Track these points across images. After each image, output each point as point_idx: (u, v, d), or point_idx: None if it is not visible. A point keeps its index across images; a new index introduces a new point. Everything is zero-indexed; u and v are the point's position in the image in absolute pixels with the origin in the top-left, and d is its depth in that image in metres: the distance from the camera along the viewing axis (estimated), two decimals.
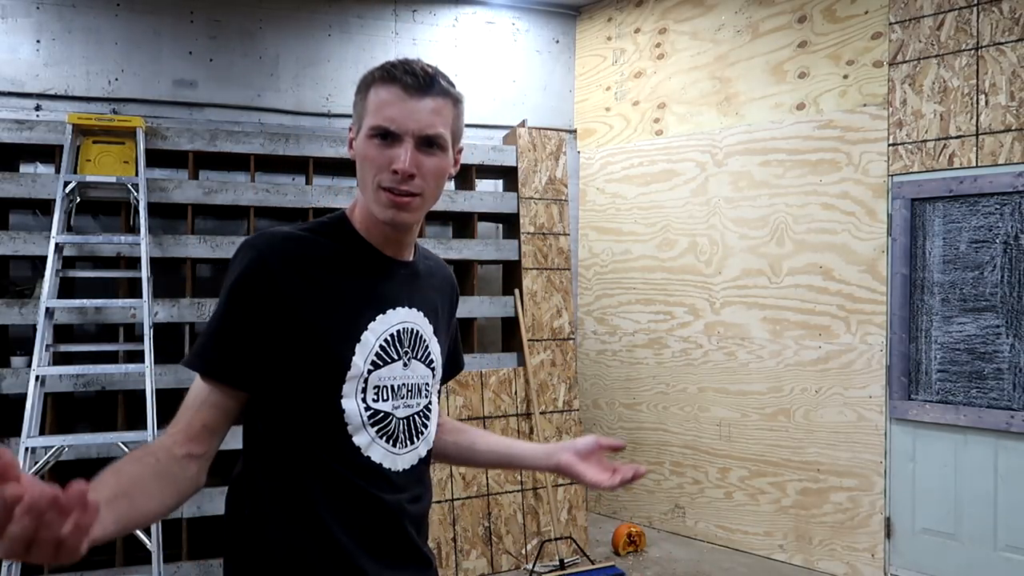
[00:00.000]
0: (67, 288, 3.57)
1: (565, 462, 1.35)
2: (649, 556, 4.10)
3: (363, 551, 1.10)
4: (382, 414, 1.12)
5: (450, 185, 4.43)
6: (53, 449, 3.05)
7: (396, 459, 1.14)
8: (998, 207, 3.40)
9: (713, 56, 4.40)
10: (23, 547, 0.66)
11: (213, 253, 3.60)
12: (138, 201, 3.36)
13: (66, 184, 3.23)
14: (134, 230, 3.47)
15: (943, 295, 3.55)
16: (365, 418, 1.10)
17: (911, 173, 3.63)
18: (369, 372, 1.10)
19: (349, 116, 1.15)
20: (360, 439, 1.10)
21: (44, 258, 3.19)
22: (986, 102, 3.42)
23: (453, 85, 1.12)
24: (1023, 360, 3.33)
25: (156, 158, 3.65)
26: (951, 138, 3.51)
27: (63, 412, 3.56)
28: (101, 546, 3.40)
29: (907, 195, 3.64)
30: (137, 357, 3.33)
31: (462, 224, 4.44)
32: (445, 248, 3.99)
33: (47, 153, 3.61)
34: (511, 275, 4.27)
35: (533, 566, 3.82)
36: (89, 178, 3.31)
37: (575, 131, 5.10)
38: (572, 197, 4.89)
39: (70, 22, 3.95)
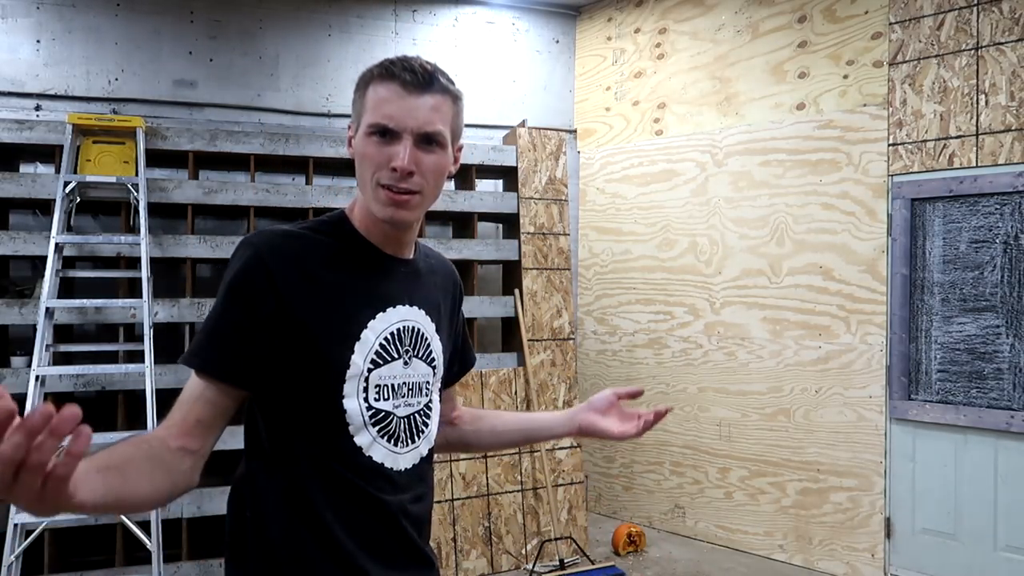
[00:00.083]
0: (67, 288, 3.57)
1: (586, 422, 1.36)
2: (649, 556, 4.10)
3: (365, 552, 1.10)
4: (383, 413, 1.12)
5: (450, 185, 4.44)
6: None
7: (398, 458, 1.14)
8: (998, 207, 3.40)
9: (713, 56, 4.40)
10: (11, 472, 0.64)
11: (213, 253, 3.60)
12: (138, 201, 3.36)
13: (66, 184, 3.23)
14: (134, 230, 3.47)
15: (943, 295, 3.55)
16: (367, 417, 1.10)
17: (911, 173, 3.63)
18: (369, 371, 1.10)
19: (349, 116, 1.15)
20: (362, 439, 1.09)
21: (44, 258, 3.19)
22: (986, 102, 3.42)
23: (452, 82, 1.11)
24: (1023, 360, 3.33)
25: (156, 158, 3.65)
26: (951, 138, 3.51)
27: None
28: (101, 546, 3.38)
29: (907, 195, 3.64)
30: (137, 357, 3.33)
31: (462, 224, 4.44)
32: (445, 248, 3.99)
33: (47, 153, 3.61)
34: (511, 275, 4.27)
35: (533, 566, 3.82)
36: (89, 178, 3.31)
37: (575, 131, 5.10)
38: (572, 197, 4.89)
39: (70, 22, 3.95)
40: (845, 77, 3.85)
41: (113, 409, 3.50)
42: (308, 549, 1.08)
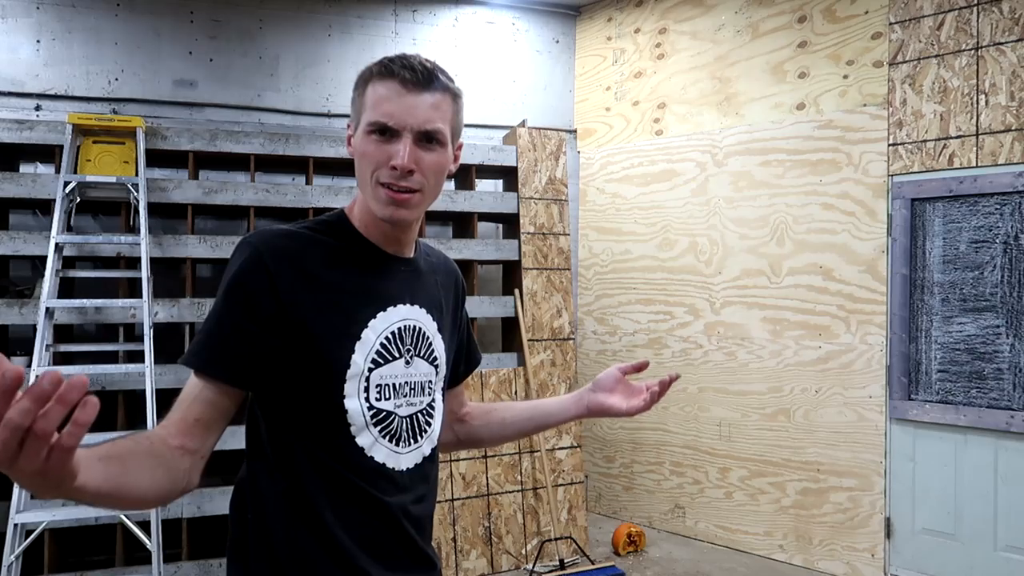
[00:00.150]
0: (67, 288, 3.57)
1: (594, 402, 1.35)
2: (649, 556, 4.10)
3: (366, 554, 1.09)
4: (384, 413, 1.11)
5: (450, 185, 4.44)
6: None
7: (399, 458, 1.13)
8: (998, 207, 3.40)
9: (713, 56, 4.40)
10: (16, 440, 0.63)
11: (213, 253, 3.60)
12: (138, 201, 3.36)
13: (66, 184, 3.23)
14: (134, 230, 3.47)
15: (943, 295, 3.55)
16: (368, 417, 1.09)
17: (911, 173, 3.63)
18: (370, 371, 1.09)
19: (349, 116, 1.15)
20: (363, 439, 1.09)
21: (44, 258, 3.19)
22: (986, 102, 3.42)
23: (452, 80, 1.11)
24: (1023, 360, 3.33)
25: (156, 158, 3.65)
26: (951, 138, 3.51)
27: None
28: (101, 546, 3.37)
29: (907, 195, 3.64)
30: (137, 357, 3.33)
31: (462, 224, 4.44)
32: (445, 248, 3.99)
33: (47, 153, 3.61)
34: (511, 275, 4.27)
35: (533, 566, 3.82)
36: (89, 178, 3.31)
37: (575, 131, 5.10)
38: (572, 197, 4.89)
39: (70, 22, 3.95)
40: (845, 77, 3.85)
41: (113, 409, 3.50)
42: (309, 550, 1.07)
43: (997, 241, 3.41)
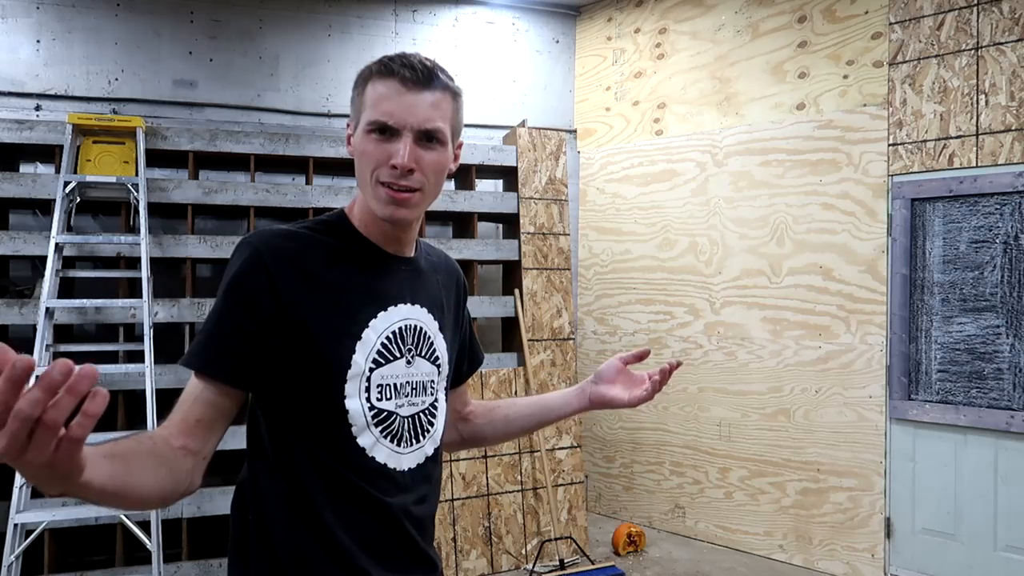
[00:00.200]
0: (67, 288, 3.57)
1: (596, 395, 1.34)
2: (649, 556, 4.10)
3: (366, 554, 1.09)
4: (386, 413, 1.11)
5: (450, 185, 4.44)
6: None
7: (401, 459, 1.13)
8: (998, 207, 3.40)
9: (713, 56, 4.40)
10: (26, 431, 0.63)
11: (213, 253, 3.60)
12: (138, 201, 3.36)
13: (66, 184, 3.23)
14: (134, 230, 3.47)
15: (943, 295, 3.55)
16: (369, 418, 1.09)
17: (911, 173, 3.63)
18: (371, 371, 1.09)
19: (349, 116, 1.15)
20: (364, 439, 1.08)
21: (44, 258, 3.19)
22: (986, 102, 3.42)
23: (452, 79, 1.11)
24: (1023, 360, 3.33)
25: (156, 158, 3.65)
26: (951, 138, 3.51)
27: None
28: (101, 546, 3.36)
29: (907, 195, 3.64)
30: (137, 357, 3.33)
31: (462, 224, 4.44)
32: (445, 248, 3.99)
33: (47, 153, 3.61)
34: (511, 275, 4.27)
35: (533, 566, 3.82)
36: (89, 178, 3.31)
37: (575, 131, 5.10)
38: (572, 197, 4.89)
39: (70, 22, 3.95)
40: (845, 77, 3.85)
41: (113, 409, 3.50)
42: (310, 550, 1.07)
43: (997, 241, 3.41)
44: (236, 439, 1.09)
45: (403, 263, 1.17)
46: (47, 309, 3.10)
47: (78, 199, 3.38)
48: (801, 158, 3.99)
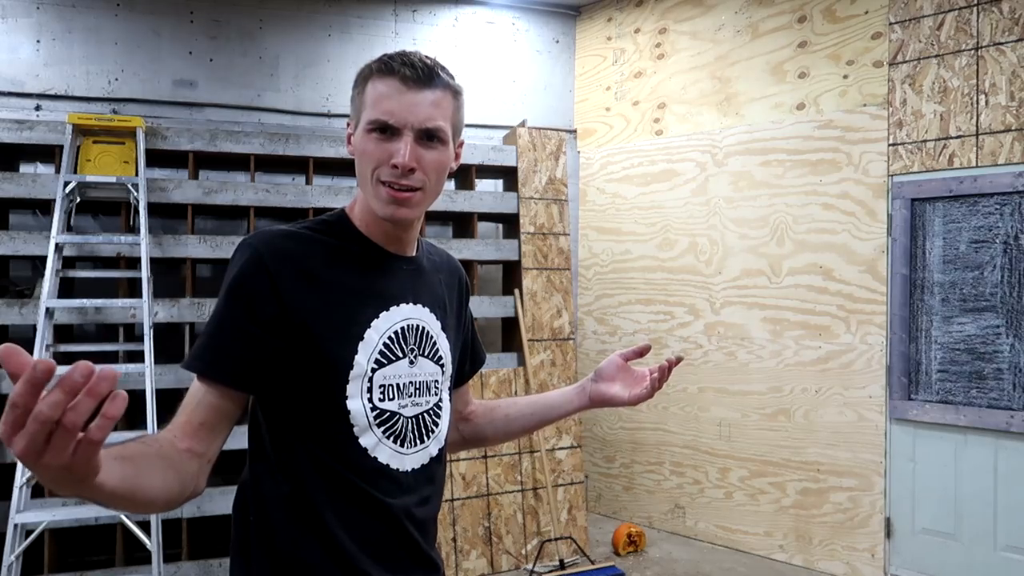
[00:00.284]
0: (67, 288, 3.57)
1: (596, 393, 1.34)
2: (649, 556, 4.10)
3: (368, 556, 1.09)
4: (388, 413, 1.10)
5: (450, 185, 4.44)
6: None
7: (404, 459, 1.12)
8: (998, 207, 3.40)
9: (713, 56, 4.40)
10: (45, 434, 0.62)
11: (213, 253, 3.59)
12: (138, 201, 3.36)
13: (66, 184, 3.23)
14: (134, 230, 3.47)
15: (943, 295, 3.55)
16: (371, 418, 1.08)
17: (911, 173, 3.63)
18: (373, 371, 1.08)
19: (349, 116, 1.14)
20: (366, 440, 1.08)
21: (44, 258, 3.19)
22: (986, 102, 3.42)
23: (453, 77, 1.10)
24: (1023, 360, 3.33)
25: (156, 158, 3.65)
26: (951, 138, 3.51)
27: None
28: (101, 546, 3.36)
29: (907, 195, 3.64)
30: (137, 357, 3.33)
31: (462, 224, 4.44)
32: (445, 248, 3.98)
33: (47, 153, 3.61)
34: (511, 275, 4.27)
35: (533, 566, 3.82)
36: (89, 178, 3.31)
37: (575, 131, 5.10)
38: (572, 197, 4.89)
39: (70, 22, 3.95)
40: (845, 77, 3.85)
41: None
42: (311, 552, 1.07)
43: (997, 241, 3.41)
44: (237, 439, 1.09)
45: (405, 262, 1.17)
46: (47, 309, 3.10)
47: (78, 199, 3.38)
48: (801, 158, 3.99)
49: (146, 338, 3.22)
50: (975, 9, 3.45)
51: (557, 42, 5.07)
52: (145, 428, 3.13)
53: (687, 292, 4.45)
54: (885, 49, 3.72)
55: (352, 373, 1.07)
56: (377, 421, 1.09)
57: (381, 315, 1.11)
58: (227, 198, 3.64)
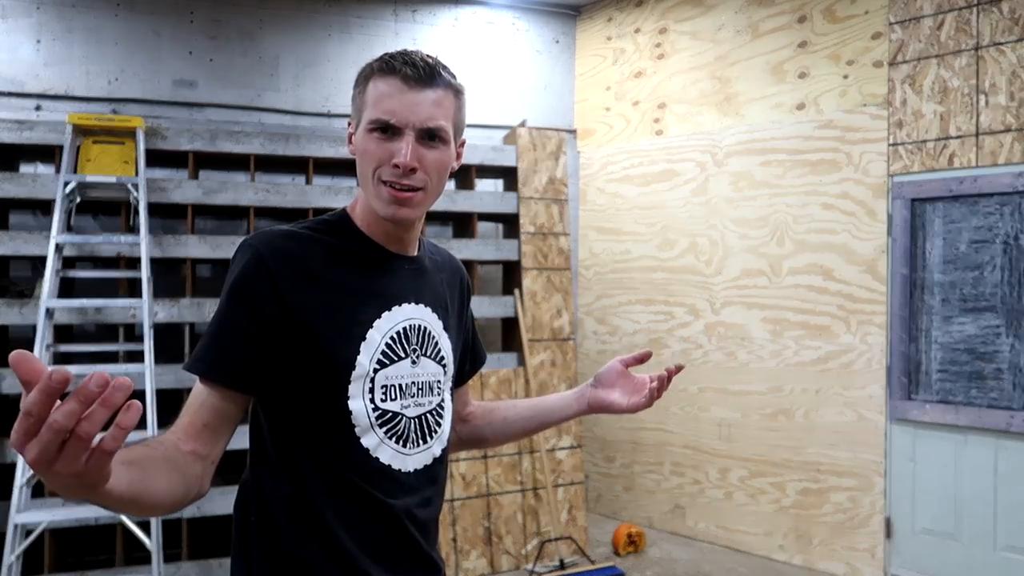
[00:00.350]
0: (67, 288, 3.57)
1: (595, 399, 1.33)
2: (649, 556, 4.10)
3: (369, 557, 1.08)
4: (391, 414, 1.10)
5: (450, 185, 4.43)
6: None
7: (406, 460, 1.12)
8: (998, 207, 3.40)
9: (713, 56, 4.40)
10: (58, 443, 0.62)
11: (213, 253, 3.59)
12: (138, 201, 3.36)
13: (66, 184, 3.23)
14: (134, 230, 3.47)
15: (943, 295, 3.55)
16: (373, 419, 1.08)
17: (911, 173, 3.63)
18: (375, 371, 1.08)
19: (349, 116, 1.14)
20: (368, 440, 1.07)
21: (44, 258, 3.19)
22: (986, 102, 3.42)
23: (454, 76, 1.10)
24: (1023, 360, 3.33)
25: (156, 158, 3.65)
26: (951, 138, 3.51)
27: None
28: (101, 546, 3.36)
29: (907, 195, 3.64)
30: (137, 357, 3.32)
31: (462, 224, 4.44)
32: (445, 248, 3.99)
33: (47, 153, 3.60)
34: (511, 275, 4.27)
35: (533, 566, 3.82)
36: (89, 178, 3.31)
37: (575, 131, 5.10)
38: (572, 197, 4.89)
39: (70, 22, 3.95)
40: (845, 77, 3.85)
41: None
42: (312, 552, 1.06)
43: (997, 241, 3.41)
44: (238, 439, 1.09)
45: (407, 262, 1.16)
46: (47, 309, 3.10)
47: (78, 199, 3.38)
48: (801, 158, 3.99)
49: (146, 338, 3.22)
50: (975, 9, 3.45)
51: (557, 42, 5.07)
52: (145, 428, 3.12)
53: (687, 292, 4.45)
54: (885, 49, 3.72)
55: (354, 373, 1.06)
56: (379, 422, 1.09)
57: (383, 315, 1.10)
58: (227, 198, 3.64)
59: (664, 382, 1.29)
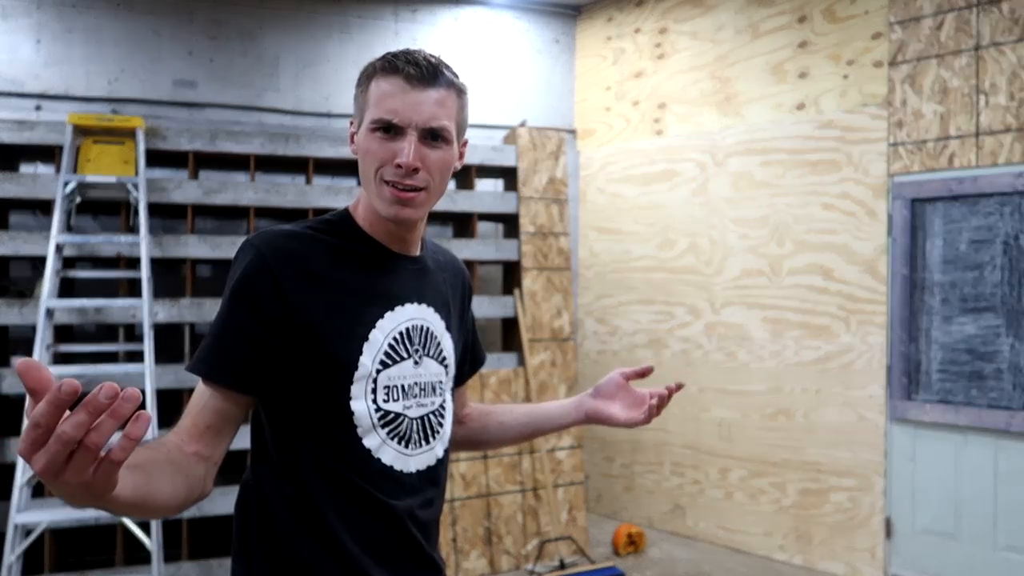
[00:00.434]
0: (67, 288, 3.57)
1: (592, 410, 1.32)
2: (649, 556, 4.10)
3: (370, 557, 1.08)
4: (393, 415, 1.09)
5: (450, 185, 4.43)
6: None
7: (408, 460, 1.11)
8: (998, 207, 3.40)
9: (713, 56, 4.40)
10: (66, 453, 0.62)
11: (213, 253, 3.59)
12: (138, 201, 3.36)
13: (66, 184, 3.23)
14: (134, 230, 3.47)
15: (943, 295, 3.55)
16: (375, 419, 1.07)
17: (911, 173, 3.63)
18: (378, 372, 1.08)
19: (349, 116, 1.13)
20: (370, 441, 1.07)
21: (44, 258, 3.18)
22: (986, 102, 3.42)
23: (457, 75, 1.10)
24: (1023, 360, 3.33)
25: (156, 158, 3.65)
26: (951, 138, 3.51)
27: None
28: (101, 546, 3.36)
29: (907, 195, 3.64)
30: (137, 357, 3.32)
31: (462, 224, 4.44)
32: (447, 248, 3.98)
33: (47, 153, 3.60)
34: (511, 275, 4.27)
35: (533, 566, 3.82)
36: (89, 178, 3.31)
37: (575, 131, 5.10)
38: (572, 197, 4.89)
39: (70, 22, 3.95)
40: (845, 77, 3.85)
41: None
42: (313, 553, 1.06)
43: (997, 241, 3.41)
44: (239, 439, 1.09)
45: (409, 262, 1.16)
46: (47, 309, 3.09)
47: (78, 199, 3.38)
48: (801, 158, 3.99)
49: (146, 338, 3.22)
50: (975, 9, 3.45)
51: (557, 42, 5.07)
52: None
53: (687, 292, 4.45)
54: (885, 49, 3.72)
55: (357, 374, 1.06)
56: (382, 422, 1.08)
57: (386, 315, 1.10)
58: (227, 198, 3.64)
59: (664, 400, 1.29)
